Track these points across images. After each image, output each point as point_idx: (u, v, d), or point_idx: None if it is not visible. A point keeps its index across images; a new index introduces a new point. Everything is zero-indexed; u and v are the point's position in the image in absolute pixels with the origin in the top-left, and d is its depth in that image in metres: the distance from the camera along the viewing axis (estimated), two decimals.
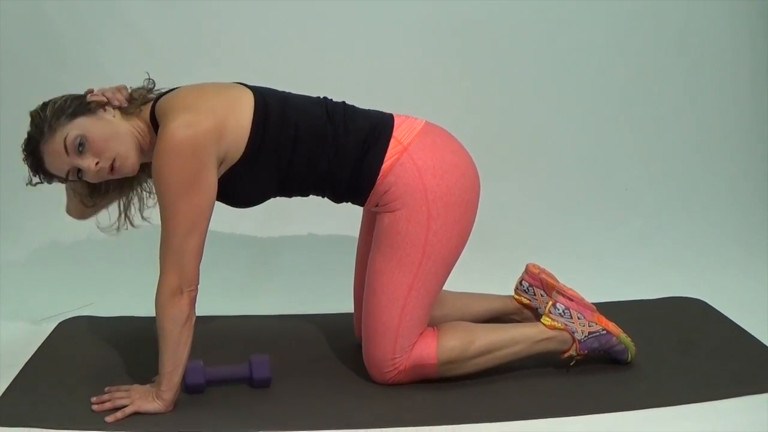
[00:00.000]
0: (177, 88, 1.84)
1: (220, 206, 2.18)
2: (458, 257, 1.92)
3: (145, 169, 1.87)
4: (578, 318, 1.96)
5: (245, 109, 1.78)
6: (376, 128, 1.85)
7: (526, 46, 2.82)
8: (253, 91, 1.82)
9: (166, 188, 1.67)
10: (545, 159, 2.90)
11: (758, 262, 2.79)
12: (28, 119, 1.76)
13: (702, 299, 2.49)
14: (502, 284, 2.25)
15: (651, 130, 2.95)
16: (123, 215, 1.96)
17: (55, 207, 2.14)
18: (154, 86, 1.87)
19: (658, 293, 2.54)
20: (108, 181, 1.85)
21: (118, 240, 2.05)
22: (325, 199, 1.95)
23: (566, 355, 1.97)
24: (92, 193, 1.92)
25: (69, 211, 1.99)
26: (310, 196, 1.95)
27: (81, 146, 1.72)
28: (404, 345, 1.87)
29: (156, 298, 1.73)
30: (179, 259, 1.70)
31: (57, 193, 1.97)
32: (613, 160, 2.94)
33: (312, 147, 1.82)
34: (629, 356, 2.01)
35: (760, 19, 2.94)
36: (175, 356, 1.75)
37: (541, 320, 1.97)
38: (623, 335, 2.00)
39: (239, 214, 2.58)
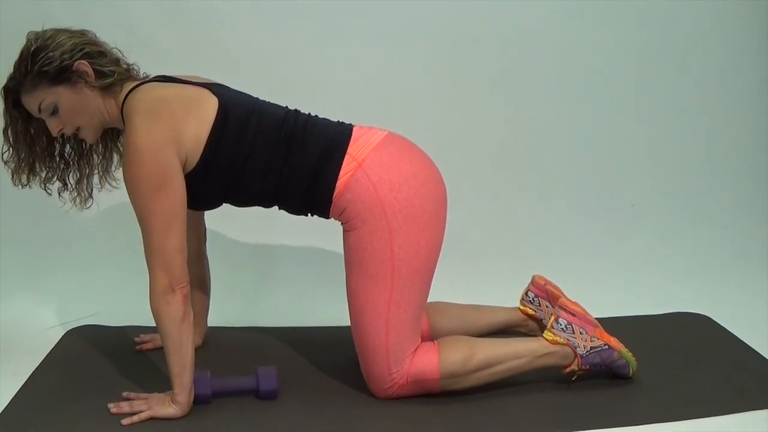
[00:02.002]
0: (150, 81, 1.87)
1: (225, 218, 2.21)
2: (434, 266, 1.91)
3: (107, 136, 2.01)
4: (580, 333, 1.96)
5: (205, 120, 1.80)
6: (332, 144, 1.85)
7: (531, 58, 2.82)
8: (219, 101, 1.83)
9: (136, 194, 1.74)
10: (551, 173, 2.90)
11: (763, 278, 2.79)
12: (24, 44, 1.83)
13: (706, 315, 2.50)
14: (506, 297, 2.25)
15: (657, 146, 2.95)
16: (85, 182, 2.02)
17: (62, 216, 2.15)
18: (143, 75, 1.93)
19: (663, 308, 2.55)
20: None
21: (123, 249, 2.06)
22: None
23: (568, 369, 1.97)
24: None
25: None
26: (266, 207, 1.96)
27: (53, 113, 1.83)
28: (398, 359, 1.87)
29: (150, 302, 1.76)
30: (163, 258, 1.74)
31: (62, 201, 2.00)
32: (619, 175, 2.94)
33: (263, 165, 1.83)
34: (630, 371, 2.02)
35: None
36: (181, 356, 1.77)
37: (543, 335, 1.97)
38: (624, 350, 2.00)
39: (244, 225, 2.61)
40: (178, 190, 1.76)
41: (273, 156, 1.83)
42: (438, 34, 2.74)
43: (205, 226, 2.18)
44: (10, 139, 1.90)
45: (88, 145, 2.00)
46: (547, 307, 2.14)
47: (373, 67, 2.72)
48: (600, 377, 2.03)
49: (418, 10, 2.70)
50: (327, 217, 1.91)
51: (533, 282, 2.19)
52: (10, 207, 2.58)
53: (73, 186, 2.02)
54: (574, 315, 1.98)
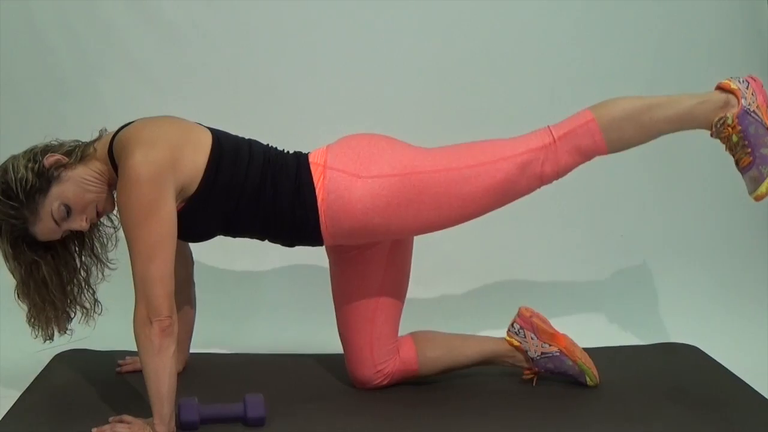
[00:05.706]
0: (132, 122, 1.89)
1: (213, 243, 2.21)
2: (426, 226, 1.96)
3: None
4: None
5: (202, 146, 1.85)
6: (298, 161, 1.92)
7: (523, 88, 2.84)
8: (210, 131, 1.90)
9: (126, 218, 1.75)
10: (540, 203, 2.90)
11: (752, 309, 2.80)
12: None
13: (695, 345, 2.50)
14: (495, 327, 2.26)
15: (647, 175, 2.97)
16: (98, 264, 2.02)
17: None
18: (100, 136, 1.92)
19: (652, 339, 2.55)
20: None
21: (113, 274, 2.06)
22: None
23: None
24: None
25: None
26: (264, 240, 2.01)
27: (68, 213, 1.82)
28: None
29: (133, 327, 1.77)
30: (144, 287, 1.74)
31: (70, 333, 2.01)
32: (608, 205, 2.95)
33: (256, 190, 1.88)
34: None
35: None
36: (157, 387, 1.75)
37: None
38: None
39: (233, 250, 2.61)
40: (167, 219, 1.76)
41: (262, 181, 1.88)
42: (434, 62, 2.76)
43: (190, 250, 2.18)
44: (41, 291, 1.90)
45: (75, 262, 1.99)
46: (532, 338, 2.14)
47: (363, 92, 2.75)
48: (593, 413, 2.02)
49: (414, 35, 2.74)
50: (321, 241, 1.94)
51: (519, 314, 2.19)
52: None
53: (76, 310, 2.01)
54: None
